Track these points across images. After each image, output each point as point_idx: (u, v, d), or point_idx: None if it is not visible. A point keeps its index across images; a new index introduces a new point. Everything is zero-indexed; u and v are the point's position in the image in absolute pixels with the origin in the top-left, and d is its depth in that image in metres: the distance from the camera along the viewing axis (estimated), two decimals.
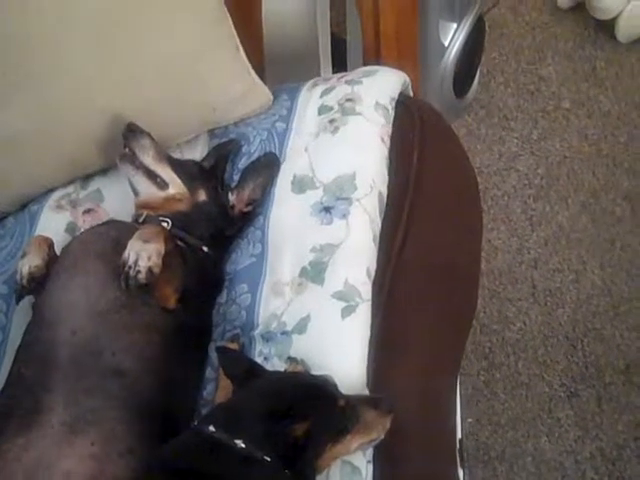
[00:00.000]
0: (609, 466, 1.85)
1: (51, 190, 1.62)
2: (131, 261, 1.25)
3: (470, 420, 1.92)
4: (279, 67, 1.97)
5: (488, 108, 2.56)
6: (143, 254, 1.25)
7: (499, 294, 2.15)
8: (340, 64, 2.14)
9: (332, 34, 2.16)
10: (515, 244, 2.25)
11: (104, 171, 1.63)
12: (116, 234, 1.35)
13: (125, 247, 1.27)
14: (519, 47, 2.69)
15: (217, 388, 1.32)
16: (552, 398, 1.97)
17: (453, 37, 2.28)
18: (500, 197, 2.35)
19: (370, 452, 1.19)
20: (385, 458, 1.19)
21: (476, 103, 2.57)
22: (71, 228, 1.54)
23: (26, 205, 1.61)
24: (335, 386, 1.18)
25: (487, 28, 2.51)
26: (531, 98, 2.57)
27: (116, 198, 1.58)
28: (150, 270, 1.24)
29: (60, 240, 1.45)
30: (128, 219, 1.47)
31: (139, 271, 1.24)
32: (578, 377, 1.99)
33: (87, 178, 1.63)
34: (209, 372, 1.34)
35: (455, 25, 2.28)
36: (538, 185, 2.37)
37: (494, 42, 2.69)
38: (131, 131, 1.47)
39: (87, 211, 1.58)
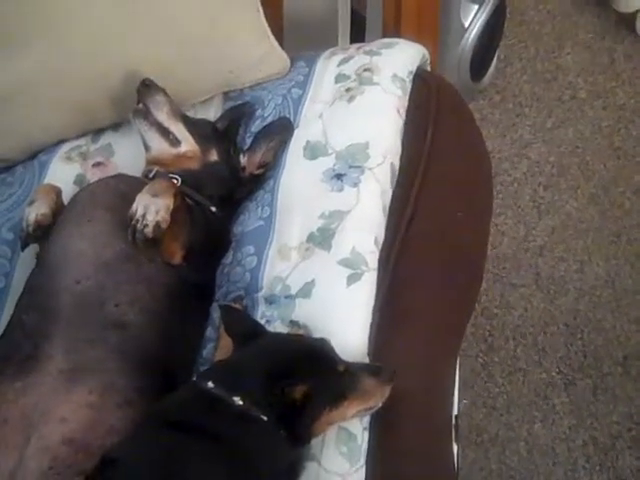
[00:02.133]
0: (601, 455, 1.85)
1: (62, 141, 1.61)
2: (139, 214, 1.24)
3: (465, 401, 1.92)
4: (297, 36, 1.96)
5: (503, 94, 2.55)
6: (151, 208, 1.24)
7: (502, 279, 2.15)
8: (357, 41, 2.12)
9: (352, 10, 2.14)
10: (522, 231, 2.24)
11: (116, 126, 1.62)
12: (125, 187, 1.35)
13: (134, 200, 1.26)
14: (538, 35, 2.68)
15: (216, 348, 1.32)
16: (549, 385, 1.97)
17: (474, 18, 2.26)
18: (510, 183, 2.34)
19: (367, 419, 1.18)
20: (381, 426, 1.19)
21: (491, 88, 2.55)
22: (80, 180, 1.54)
23: (36, 155, 1.61)
24: (333, 350, 1.17)
25: (507, 14, 2.49)
26: (547, 86, 2.55)
27: (126, 153, 1.58)
28: (157, 224, 1.24)
29: (68, 191, 1.44)
30: (138, 175, 1.46)
31: (146, 225, 1.23)
32: (576, 366, 1.99)
33: (98, 132, 1.63)
34: (209, 332, 1.34)
35: (477, 7, 2.26)
36: (548, 173, 2.35)
37: (513, 28, 2.67)
38: (146, 86, 1.47)
39: (97, 164, 1.58)
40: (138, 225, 1.23)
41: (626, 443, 1.87)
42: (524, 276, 2.16)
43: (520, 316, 2.09)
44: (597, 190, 2.31)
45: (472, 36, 2.27)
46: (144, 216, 1.23)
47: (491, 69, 2.52)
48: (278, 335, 1.24)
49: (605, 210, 2.26)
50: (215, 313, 1.35)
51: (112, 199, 1.32)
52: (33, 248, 1.37)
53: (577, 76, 2.56)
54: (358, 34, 2.15)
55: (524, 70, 2.60)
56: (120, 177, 1.41)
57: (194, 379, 1.16)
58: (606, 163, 2.36)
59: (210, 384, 1.10)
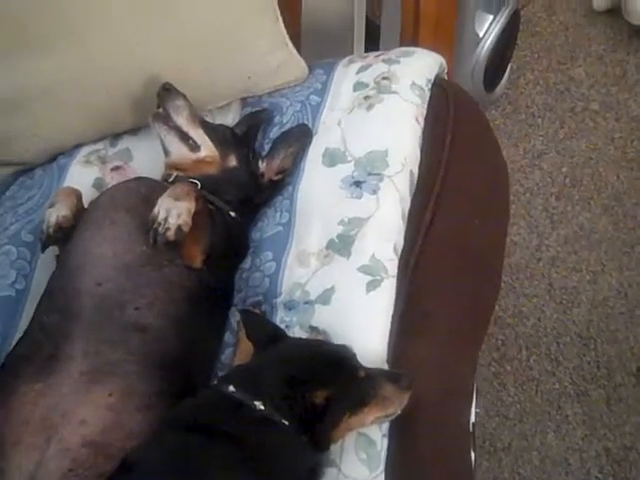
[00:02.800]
0: (614, 466, 1.85)
1: (80, 145, 1.62)
2: (161, 218, 1.25)
3: (478, 410, 1.91)
4: (313, 44, 1.96)
5: (516, 104, 2.55)
6: (173, 211, 1.25)
7: (515, 289, 2.15)
8: (371, 49, 2.13)
9: (366, 18, 2.15)
10: (534, 241, 2.24)
11: (134, 130, 1.63)
12: (146, 190, 1.35)
13: (155, 204, 1.27)
14: (551, 46, 2.68)
15: (235, 353, 1.32)
16: (562, 395, 1.96)
17: (488, 29, 2.27)
18: (522, 194, 2.34)
19: (386, 426, 1.18)
20: (401, 433, 1.19)
21: (504, 98, 2.56)
22: (98, 184, 1.55)
23: (55, 158, 1.61)
24: (354, 356, 1.17)
25: (520, 25, 2.50)
26: (560, 97, 2.55)
27: (145, 158, 1.58)
28: (179, 228, 1.24)
29: (87, 195, 1.45)
30: (156, 179, 1.46)
31: (168, 228, 1.24)
32: (589, 376, 1.99)
33: (117, 136, 1.64)
34: (228, 337, 1.34)
35: (491, 17, 2.27)
36: (561, 184, 2.36)
37: (526, 39, 2.68)
38: (166, 90, 1.47)
39: (115, 168, 1.58)
40: (160, 228, 1.24)
41: (639, 454, 1.86)
42: (537, 286, 2.16)
43: (533, 326, 2.09)
44: (610, 201, 2.31)
45: (486, 46, 2.28)
46: (166, 219, 1.24)
47: (504, 80, 2.52)
48: (299, 340, 1.24)
49: (618, 221, 2.26)
50: (233, 318, 1.35)
51: (133, 202, 1.32)
52: (52, 250, 1.37)
53: (590, 88, 2.57)
54: (372, 43, 2.16)
55: (536, 81, 2.60)
56: (141, 180, 1.41)
57: (215, 383, 1.16)
58: (619, 174, 2.36)
59: (231, 388, 1.11)
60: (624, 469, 1.84)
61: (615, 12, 2.69)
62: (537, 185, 2.36)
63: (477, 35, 2.26)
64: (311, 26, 2.02)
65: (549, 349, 2.04)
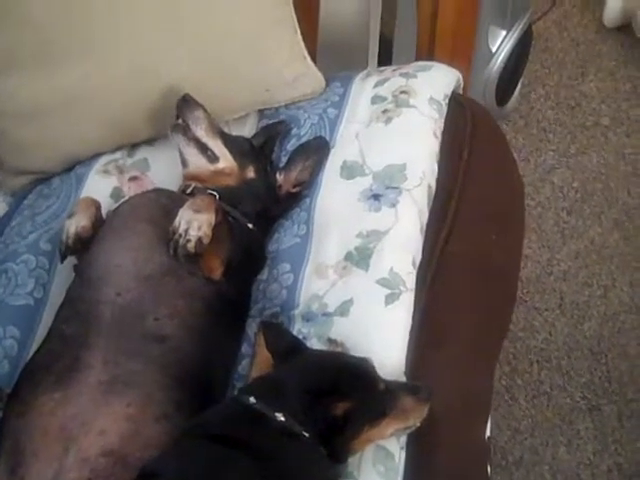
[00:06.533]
0: None
1: (98, 155, 1.62)
2: (181, 229, 1.25)
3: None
4: (328, 57, 1.97)
5: (527, 119, 2.56)
6: (194, 223, 1.25)
7: (526, 302, 2.15)
8: (384, 63, 2.13)
9: (380, 33, 2.16)
10: (545, 255, 2.24)
11: (151, 141, 1.64)
12: (166, 201, 1.36)
13: (175, 215, 1.27)
14: (562, 61, 2.70)
15: (252, 364, 1.32)
16: (573, 409, 1.96)
17: (501, 44, 2.28)
18: (533, 208, 2.35)
19: (404, 439, 1.19)
20: (418, 446, 1.19)
21: (515, 113, 2.57)
22: (116, 194, 1.55)
23: (73, 167, 1.62)
24: (375, 369, 1.18)
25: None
26: (571, 113, 2.56)
27: (162, 168, 1.59)
28: (200, 240, 1.25)
29: (104, 204, 1.45)
30: (173, 189, 1.47)
31: (189, 240, 1.24)
32: (600, 391, 1.99)
33: (134, 146, 1.64)
34: (245, 348, 1.34)
35: (504, 32, 2.28)
36: (572, 199, 2.36)
37: (537, 54, 2.69)
38: (186, 102, 1.48)
39: (133, 178, 1.58)
40: (181, 240, 1.24)
41: None
42: (548, 300, 2.16)
43: (544, 340, 2.09)
44: (621, 216, 2.31)
45: (499, 61, 2.29)
46: (187, 231, 1.24)
47: (515, 94, 2.53)
48: (320, 352, 1.24)
49: (629, 236, 2.26)
50: (250, 329, 1.36)
51: (154, 212, 1.33)
52: (70, 260, 1.38)
53: (600, 103, 2.58)
54: (384, 56, 2.17)
55: (548, 96, 2.61)
56: (160, 191, 1.42)
57: (235, 394, 1.16)
58: (630, 189, 2.36)
59: (252, 399, 1.11)
60: None
61: (626, 28, 2.70)
62: (548, 199, 2.37)
63: (490, 50, 2.27)
64: (326, 40, 2.03)
65: (560, 363, 2.04)
